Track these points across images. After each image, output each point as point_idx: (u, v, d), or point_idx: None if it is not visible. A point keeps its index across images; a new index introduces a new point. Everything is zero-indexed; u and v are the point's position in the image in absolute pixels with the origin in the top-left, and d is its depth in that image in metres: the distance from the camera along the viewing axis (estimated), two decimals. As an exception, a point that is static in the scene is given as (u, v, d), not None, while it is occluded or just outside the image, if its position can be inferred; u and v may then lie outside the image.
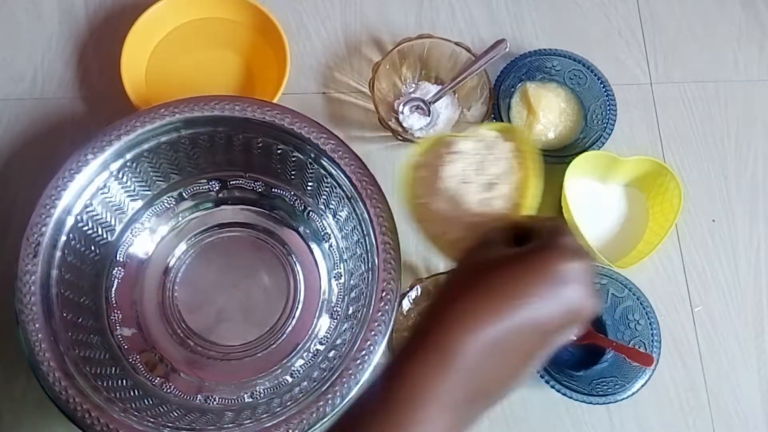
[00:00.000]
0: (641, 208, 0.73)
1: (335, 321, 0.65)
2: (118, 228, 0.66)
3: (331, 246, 0.68)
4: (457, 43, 0.73)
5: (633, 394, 0.64)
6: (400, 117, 0.74)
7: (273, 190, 0.69)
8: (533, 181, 0.45)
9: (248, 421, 0.56)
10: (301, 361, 0.64)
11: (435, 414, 0.35)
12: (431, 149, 0.48)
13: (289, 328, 0.66)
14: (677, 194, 0.69)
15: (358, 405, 0.38)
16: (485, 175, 0.45)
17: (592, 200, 0.73)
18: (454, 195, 0.45)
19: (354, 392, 0.56)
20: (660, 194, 0.72)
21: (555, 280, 0.37)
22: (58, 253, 0.58)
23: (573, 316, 0.38)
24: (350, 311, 0.62)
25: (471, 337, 0.35)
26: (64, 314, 0.57)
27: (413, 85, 0.76)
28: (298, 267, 0.68)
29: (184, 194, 0.69)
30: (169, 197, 0.68)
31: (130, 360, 0.64)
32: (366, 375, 0.56)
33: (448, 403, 0.35)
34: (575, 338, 0.67)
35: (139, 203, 0.67)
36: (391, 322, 0.58)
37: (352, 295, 0.63)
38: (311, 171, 0.64)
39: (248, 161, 0.68)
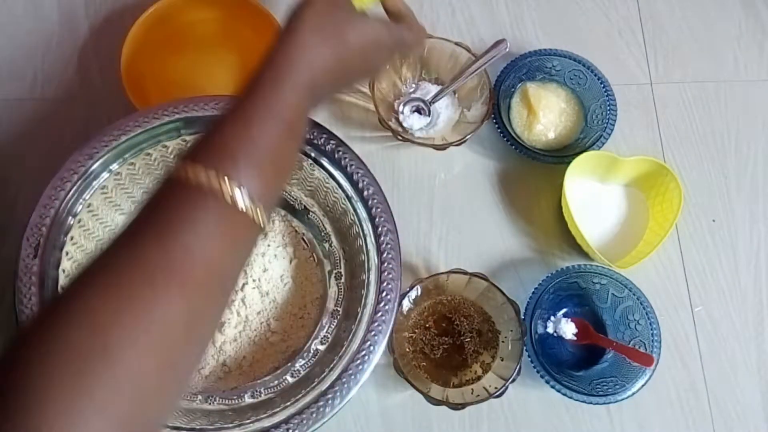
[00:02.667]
0: (641, 208, 0.73)
1: (335, 321, 0.65)
2: (119, 228, 0.66)
3: (331, 246, 0.68)
4: (457, 43, 0.73)
5: (633, 394, 0.64)
6: (400, 117, 0.74)
7: (273, 190, 0.69)
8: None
9: (248, 421, 0.56)
10: (301, 361, 0.64)
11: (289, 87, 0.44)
12: None
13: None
14: (677, 194, 0.69)
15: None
16: None
17: (592, 200, 0.73)
18: None
19: (354, 392, 0.56)
20: (660, 194, 0.72)
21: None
22: (58, 253, 0.58)
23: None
24: (350, 311, 0.62)
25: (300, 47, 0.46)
26: (64, 314, 0.57)
27: (413, 85, 0.76)
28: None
29: (184, 194, 0.69)
30: (169, 197, 0.68)
31: (130, 360, 0.63)
32: (366, 375, 0.56)
33: (300, 81, 0.45)
34: (575, 338, 0.68)
35: (139, 203, 0.67)
36: (391, 322, 0.58)
37: (352, 295, 0.63)
38: (311, 171, 0.64)
39: (248, 161, 0.67)
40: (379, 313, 0.58)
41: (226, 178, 0.38)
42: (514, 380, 0.61)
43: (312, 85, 0.45)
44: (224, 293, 0.39)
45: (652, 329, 0.66)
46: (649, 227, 0.72)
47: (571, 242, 0.72)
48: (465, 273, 0.65)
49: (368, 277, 0.60)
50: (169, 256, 0.36)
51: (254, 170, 0.40)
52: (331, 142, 0.62)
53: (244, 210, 0.39)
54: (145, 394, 0.33)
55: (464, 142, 0.71)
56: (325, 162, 0.63)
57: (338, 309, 0.66)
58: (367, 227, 0.61)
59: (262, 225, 0.40)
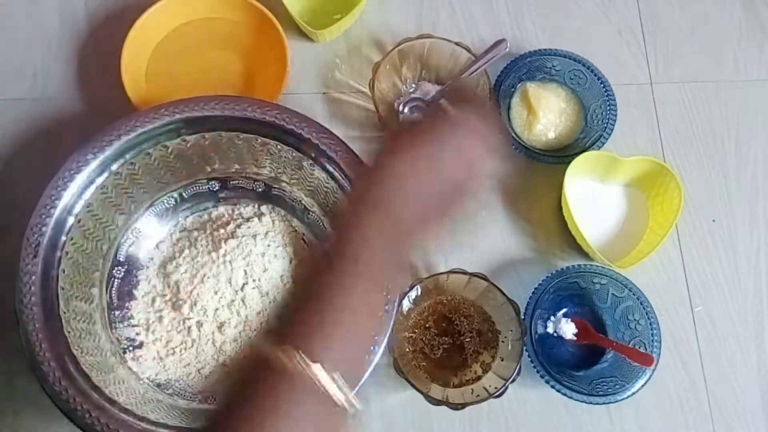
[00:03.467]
0: (641, 208, 0.73)
1: (335, 321, 0.65)
2: (118, 228, 0.66)
3: (331, 246, 0.68)
4: (457, 43, 0.73)
5: (633, 394, 0.64)
6: (400, 117, 0.74)
7: (273, 189, 0.69)
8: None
9: (248, 421, 0.56)
10: (301, 361, 0.64)
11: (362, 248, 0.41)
12: None
13: (289, 328, 0.66)
14: (677, 194, 0.69)
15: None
16: None
17: (592, 200, 0.73)
18: None
19: (354, 392, 0.56)
20: (660, 194, 0.72)
21: (445, 132, 0.44)
22: (58, 253, 0.58)
23: (470, 165, 0.44)
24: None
25: (379, 173, 0.43)
26: (64, 314, 0.57)
27: (413, 85, 0.76)
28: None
29: (184, 194, 0.69)
30: (169, 197, 0.68)
31: (131, 360, 0.64)
32: (366, 375, 0.56)
33: (373, 238, 0.41)
34: (575, 338, 0.68)
35: (139, 203, 0.67)
36: (391, 322, 0.58)
37: (352, 295, 0.63)
38: (311, 171, 0.64)
39: (248, 161, 0.68)
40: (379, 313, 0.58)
41: (323, 368, 0.37)
42: (514, 380, 0.61)
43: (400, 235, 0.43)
44: None
45: (652, 329, 0.66)
46: (649, 227, 0.72)
47: (571, 242, 0.72)
48: (465, 273, 0.65)
49: (368, 277, 0.60)
50: None
51: (347, 356, 0.39)
52: (331, 141, 0.62)
53: (340, 402, 0.38)
54: None
55: (464, 142, 0.71)
56: (325, 162, 0.63)
57: (338, 309, 0.66)
58: (367, 227, 0.61)
59: (354, 409, 0.39)
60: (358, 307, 0.40)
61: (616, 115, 0.73)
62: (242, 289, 0.65)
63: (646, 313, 0.66)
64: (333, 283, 0.40)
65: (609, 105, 0.73)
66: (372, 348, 0.55)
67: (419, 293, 0.67)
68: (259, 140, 0.64)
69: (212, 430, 0.37)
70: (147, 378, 0.63)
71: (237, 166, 0.68)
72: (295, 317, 0.40)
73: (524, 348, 0.63)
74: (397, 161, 0.43)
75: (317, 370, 0.37)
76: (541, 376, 0.64)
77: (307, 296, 0.41)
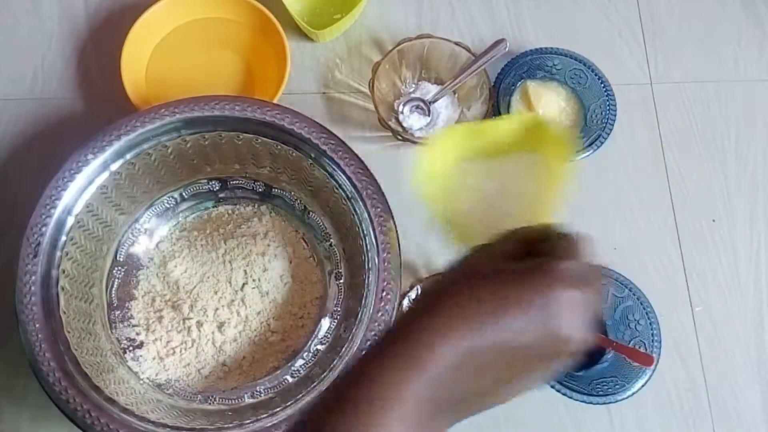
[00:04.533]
0: (534, 169, 0.63)
1: (335, 321, 0.65)
2: (118, 228, 0.66)
3: (331, 246, 0.68)
4: (457, 43, 0.73)
5: (633, 394, 0.64)
6: (400, 117, 0.74)
7: (273, 189, 0.69)
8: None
9: (249, 421, 0.56)
10: (301, 361, 0.64)
11: (396, 419, 0.33)
12: None
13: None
14: (560, 141, 0.60)
15: (322, 402, 0.36)
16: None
17: (481, 178, 0.63)
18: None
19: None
20: (547, 146, 0.62)
21: (543, 305, 0.35)
22: (58, 253, 0.58)
23: (557, 347, 0.36)
24: (350, 311, 0.62)
25: (443, 347, 0.34)
26: (65, 314, 0.57)
27: (413, 85, 0.76)
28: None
29: (184, 194, 0.69)
30: (169, 197, 0.68)
31: (131, 360, 0.64)
32: (366, 375, 0.56)
33: (410, 410, 0.34)
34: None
35: (139, 203, 0.67)
36: (391, 322, 0.58)
37: (352, 295, 0.63)
38: (311, 171, 0.64)
39: (248, 161, 0.68)
40: (379, 313, 0.58)
41: None
42: (514, 380, 0.61)
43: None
44: None
45: (652, 329, 0.66)
46: (546, 186, 0.62)
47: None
48: (465, 273, 0.65)
49: (368, 277, 0.60)
50: None
51: None
52: (331, 141, 0.62)
53: None
54: None
55: (464, 142, 0.71)
56: (325, 162, 0.63)
57: (338, 309, 0.66)
58: (367, 227, 0.61)
59: None
60: None
61: (615, 115, 0.73)
62: (242, 289, 0.65)
63: (646, 313, 0.66)
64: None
65: (609, 105, 0.73)
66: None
67: (419, 293, 0.67)
68: (259, 140, 0.64)
69: None
70: (147, 378, 0.63)
71: (237, 166, 0.68)
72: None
73: (524, 348, 0.63)
74: (468, 327, 0.34)
75: None
76: (541, 376, 0.64)
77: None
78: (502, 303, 0.35)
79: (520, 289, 0.35)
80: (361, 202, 0.61)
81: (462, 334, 0.34)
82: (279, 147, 0.64)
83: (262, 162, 0.67)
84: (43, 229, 0.58)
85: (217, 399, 0.63)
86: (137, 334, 0.65)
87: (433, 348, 0.34)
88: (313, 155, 0.63)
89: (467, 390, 0.36)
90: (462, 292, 0.36)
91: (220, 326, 0.65)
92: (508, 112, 0.75)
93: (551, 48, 0.76)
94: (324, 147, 0.62)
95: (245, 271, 0.66)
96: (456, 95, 0.76)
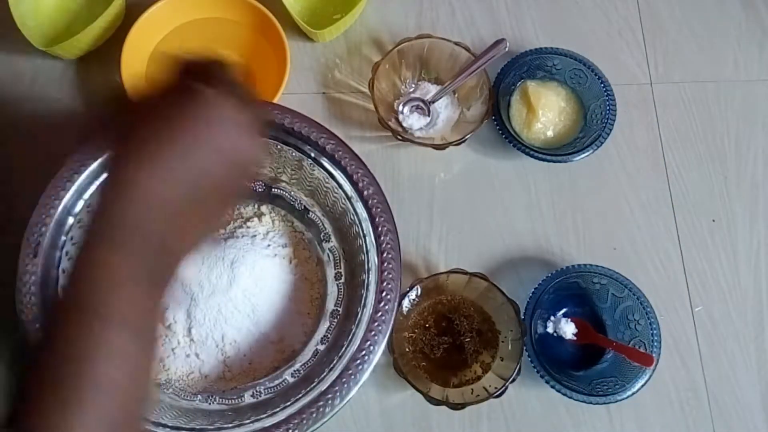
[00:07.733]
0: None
1: (335, 321, 0.65)
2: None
3: (331, 246, 0.68)
4: (456, 43, 0.73)
5: (633, 394, 0.64)
6: (400, 117, 0.74)
7: (273, 189, 0.69)
8: None
9: (248, 421, 0.56)
10: (301, 361, 0.64)
11: (125, 294, 0.34)
12: None
13: (289, 328, 0.66)
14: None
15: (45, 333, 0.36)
16: None
17: None
18: None
19: (354, 392, 0.56)
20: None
21: (206, 132, 0.36)
22: (58, 253, 0.59)
23: (235, 164, 0.37)
24: (350, 311, 0.62)
25: (135, 206, 0.35)
26: (64, 314, 0.57)
27: (413, 85, 0.77)
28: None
29: (184, 194, 0.69)
30: (169, 197, 0.68)
31: (130, 360, 0.64)
32: (366, 375, 0.56)
33: (133, 277, 0.34)
34: (575, 338, 0.67)
35: (139, 203, 0.67)
36: (391, 322, 0.58)
37: (352, 295, 0.63)
38: (311, 171, 0.64)
39: (248, 161, 0.68)
40: (379, 313, 0.58)
41: None
42: (514, 380, 0.61)
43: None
44: None
45: (652, 329, 0.66)
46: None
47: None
48: (465, 273, 0.65)
49: (368, 277, 0.60)
50: None
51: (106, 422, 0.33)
52: (331, 141, 0.62)
53: None
54: None
55: (464, 141, 0.71)
56: (325, 162, 0.63)
57: (338, 309, 0.66)
58: (367, 227, 0.61)
59: None
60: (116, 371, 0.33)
61: (615, 115, 0.73)
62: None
63: (646, 313, 0.66)
64: (77, 351, 0.33)
65: (609, 105, 0.73)
66: (371, 347, 0.55)
67: (419, 293, 0.67)
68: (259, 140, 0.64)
69: None
70: (147, 378, 0.63)
71: (237, 166, 0.68)
72: (37, 381, 0.33)
73: (524, 348, 0.63)
74: (144, 174, 0.35)
75: None
76: (541, 376, 0.64)
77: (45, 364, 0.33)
78: (164, 137, 0.36)
79: (174, 118, 0.37)
80: (361, 202, 0.61)
81: (141, 185, 0.35)
82: (279, 147, 0.64)
83: (262, 162, 0.67)
84: (43, 229, 0.58)
85: (217, 399, 0.63)
86: (137, 334, 0.65)
87: (125, 213, 0.35)
88: (313, 155, 0.63)
89: (173, 234, 0.36)
90: (128, 144, 0.37)
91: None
92: (508, 111, 0.75)
93: (551, 48, 0.76)
94: (324, 147, 0.62)
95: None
96: (456, 95, 0.76)
